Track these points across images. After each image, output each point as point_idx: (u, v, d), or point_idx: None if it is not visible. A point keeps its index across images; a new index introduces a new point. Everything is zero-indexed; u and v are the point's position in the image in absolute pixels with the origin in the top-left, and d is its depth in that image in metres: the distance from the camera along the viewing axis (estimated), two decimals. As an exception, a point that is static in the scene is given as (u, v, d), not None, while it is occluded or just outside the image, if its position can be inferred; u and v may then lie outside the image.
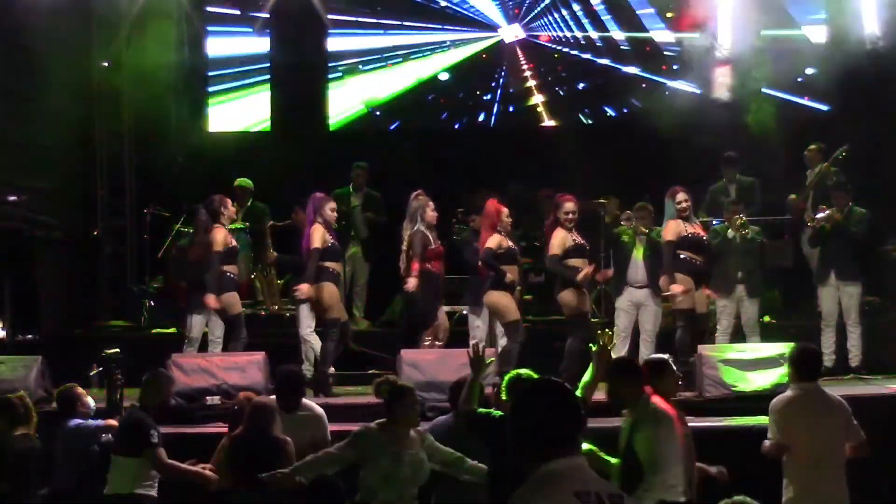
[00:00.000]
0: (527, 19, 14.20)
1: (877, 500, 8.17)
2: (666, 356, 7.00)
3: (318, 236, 10.04)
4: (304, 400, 7.74)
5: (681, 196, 10.32)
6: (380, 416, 6.85)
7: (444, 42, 14.33)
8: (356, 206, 12.54)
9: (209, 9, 14.15)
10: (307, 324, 10.41)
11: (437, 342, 10.22)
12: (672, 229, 10.26)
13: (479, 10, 14.26)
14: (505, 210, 10.21)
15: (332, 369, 10.35)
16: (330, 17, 14.01)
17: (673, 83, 14.01)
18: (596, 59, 14.23)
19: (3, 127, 11.86)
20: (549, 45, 14.25)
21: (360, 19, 14.35)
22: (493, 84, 14.43)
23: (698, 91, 13.74)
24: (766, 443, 6.72)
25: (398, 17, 14.35)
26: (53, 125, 12.61)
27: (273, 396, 7.67)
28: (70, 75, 12.61)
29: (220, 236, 10.12)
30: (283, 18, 13.98)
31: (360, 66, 14.43)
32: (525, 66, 14.32)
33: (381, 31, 14.37)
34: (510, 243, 10.20)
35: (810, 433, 6.59)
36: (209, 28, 14.15)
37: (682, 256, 10.21)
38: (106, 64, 13.38)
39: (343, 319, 10.23)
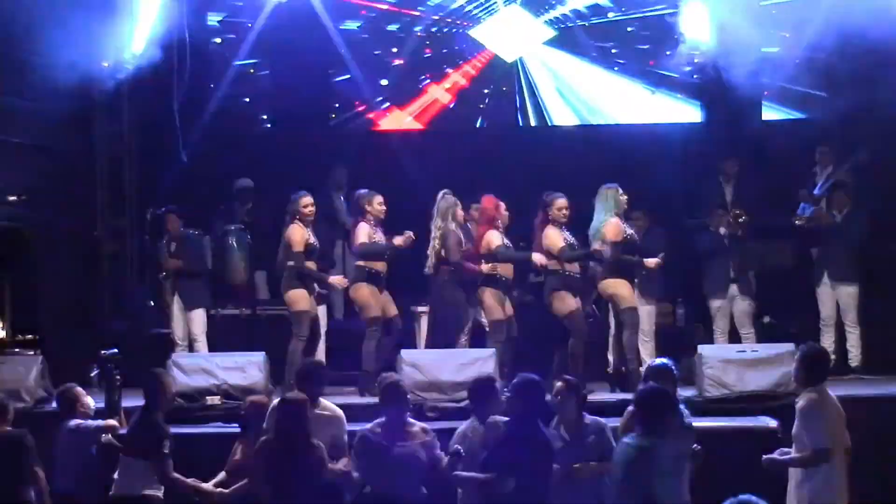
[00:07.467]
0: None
1: (877, 501, 8.17)
2: (668, 360, 7.08)
3: (363, 233, 10.11)
4: (322, 399, 7.71)
5: (617, 191, 10.05)
6: (376, 416, 6.87)
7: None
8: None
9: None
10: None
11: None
12: (616, 230, 9.94)
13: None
14: (502, 205, 10.17)
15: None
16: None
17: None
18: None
19: (3, 127, 11.84)
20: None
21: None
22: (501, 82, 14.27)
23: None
24: (796, 455, 6.72)
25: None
26: (53, 125, 12.59)
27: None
28: (70, 75, 12.60)
29: (297, 235, 10.14)
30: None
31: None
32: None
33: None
34: (506, 241, 10.13)
35: (831, 435, 6.67)
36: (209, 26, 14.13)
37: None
38: (106, 64, 13.35)
39: (389, 316, 10.16)
